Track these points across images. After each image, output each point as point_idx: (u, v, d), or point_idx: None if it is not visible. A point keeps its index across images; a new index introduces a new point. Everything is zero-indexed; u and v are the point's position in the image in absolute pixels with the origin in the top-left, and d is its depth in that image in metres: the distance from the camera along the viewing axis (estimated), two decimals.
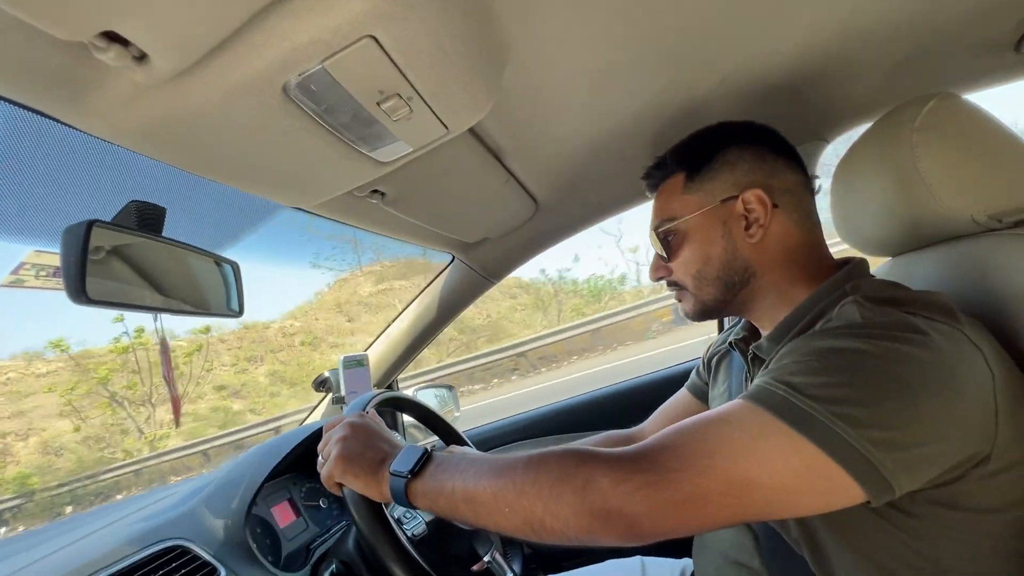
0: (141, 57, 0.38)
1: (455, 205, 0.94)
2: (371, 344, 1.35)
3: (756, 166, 0.64)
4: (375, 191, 0.77)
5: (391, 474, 0.58)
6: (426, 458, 0.58)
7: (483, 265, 1.24)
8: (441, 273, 1.28)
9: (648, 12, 0.58)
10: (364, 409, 0.74)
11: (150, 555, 0.68)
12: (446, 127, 0.58)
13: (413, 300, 1.32)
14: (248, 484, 0.86)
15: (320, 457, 0.65)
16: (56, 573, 0.61)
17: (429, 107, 0.53)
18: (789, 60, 0.74)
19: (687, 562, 0.91)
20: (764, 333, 0.67)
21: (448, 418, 0.97)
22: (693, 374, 0.93)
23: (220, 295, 0.75)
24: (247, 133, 0.49)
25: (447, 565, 0.72)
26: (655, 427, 0.93)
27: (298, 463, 0.98)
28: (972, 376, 0.46)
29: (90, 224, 0.50)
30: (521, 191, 0.96)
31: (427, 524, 0.76)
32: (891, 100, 0.86)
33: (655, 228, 0.69)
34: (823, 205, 0.73)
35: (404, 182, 0.77)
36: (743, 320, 0.76)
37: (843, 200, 0.73)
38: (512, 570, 0.79)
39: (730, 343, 0.75)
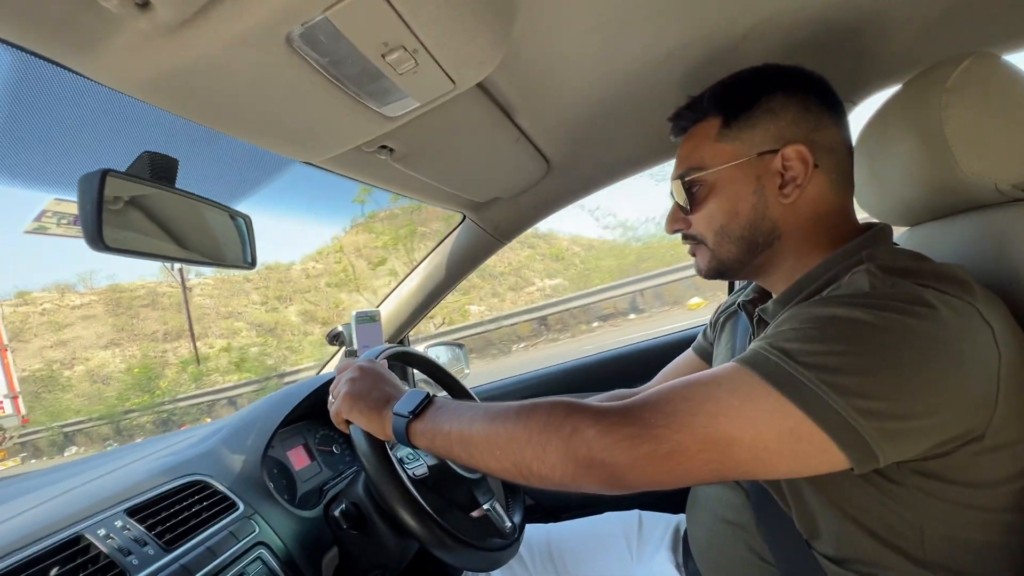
0: (144, 4, 0.38)
1: (465, 163, 0.94)
2: (383, 301, 1.38)
3: (801, 118, 0.59)
4: (383, 147, 0.77)
5: (394, 414, 0.61)
6: (427, 402, 0.61)
7: (495, 225, 1.24)
8: (452, 232, 1.29)
9: None
10: (375, 358, 0.77)
11: (175, 487, 0.73)
12: (453, 82, 0.57)
13: (424, 259, 1.33)
14: (263, 427, 0.90)
15: (331, 396, 0.69)
16: (93, 499, 0.66)
17: (435, 60, 0.52)
18: (819, 14, 0.70)
19: (682, 517, 0.94)
20: (774, 296, 0.65)
21: (458, 376, 1.00)
22: (700, 335, 0.93)
23: (234, 247, 0.77)
24: (252, 84, 0.50)
25: (446, 508, 0.75)
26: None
27: (312, 411, 1.03)
28: (976, 353, 0.45)
29: (104, 173, 0.51)
30: (533, 150, 0.95)
31: (429, 468, 0.80)
32: (925, 60, 0.81)
33: (680, 176, 0.64)
34: None
35: (413, 138, 0.76)
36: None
37: (865, 164, 0.70)
38: (512, 520, 0.83)
39: (739, 304, 0.75)
